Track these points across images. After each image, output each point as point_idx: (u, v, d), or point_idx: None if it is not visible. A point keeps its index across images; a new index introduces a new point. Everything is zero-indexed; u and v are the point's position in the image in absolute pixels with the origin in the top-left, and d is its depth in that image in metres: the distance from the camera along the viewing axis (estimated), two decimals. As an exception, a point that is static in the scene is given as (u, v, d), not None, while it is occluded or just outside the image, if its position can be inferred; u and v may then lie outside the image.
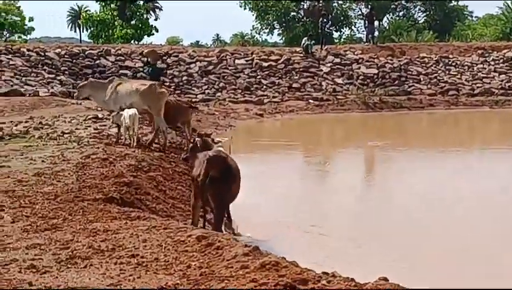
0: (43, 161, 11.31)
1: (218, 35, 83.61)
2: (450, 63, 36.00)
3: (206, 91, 31.31)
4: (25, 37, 49.93)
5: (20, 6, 49.34)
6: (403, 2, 65.25)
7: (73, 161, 11.28)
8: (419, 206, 11.56)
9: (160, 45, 44.58)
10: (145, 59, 26.22)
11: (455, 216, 10.87)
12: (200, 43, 68.40)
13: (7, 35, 47.72)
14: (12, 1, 49.11)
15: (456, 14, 63.75)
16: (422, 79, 34.41)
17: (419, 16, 66.11)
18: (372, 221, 10.73)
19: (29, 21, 49.67)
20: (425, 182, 14.16)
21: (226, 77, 32.60)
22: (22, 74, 28.98)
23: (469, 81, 34.53)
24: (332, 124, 27.94)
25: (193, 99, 27.64)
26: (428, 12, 65.24)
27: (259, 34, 64.74)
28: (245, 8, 62.54)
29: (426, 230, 9.96)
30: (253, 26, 64.67)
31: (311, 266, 5.50)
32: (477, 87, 33.82)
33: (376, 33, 43.44)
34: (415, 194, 12.67)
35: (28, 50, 31.53)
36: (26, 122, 19.02)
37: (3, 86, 27.06)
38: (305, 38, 36.95)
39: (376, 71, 34.41)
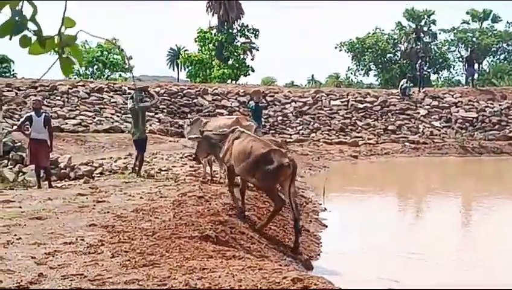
0: (141, 197, 11.56)
1: (313, 75, 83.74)
2: (553, 107, 34.79)
3: (301, 132, 31.39)
4: (124, 75, 51.45)
5: (120, 46, 50.97)
6: (504, 45, 63.68)
7: (170, 198, 11.46)
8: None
9: (257, 85, 45.14)
10: (249, 97, 27.64)
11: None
12: (294, 83, 68.67)
13: (108, 74, 49.39)
14: (113, 40, 50.84)
15: (559, 57, 61.69)
16: (524, 124, 33.38)
17: (520, 59, 64.36)
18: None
19: (129, 59, 51.14)
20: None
21: (320, 118, 32.60)
22: (122, 112, 29.89)
23: None
24: (429, 169, 27.31)
25: (287, 140, 27.74)
26: (530, 55, 63.45)
27: (354, 75, 64.54)
28: (341, 50, 62.66)
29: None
30: (348, 67, 64.60)
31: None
32: None
33: (476, 76, 42.40)
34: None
35: (129, 88, 32.50)
36: (125, 158, 19.58)
37: (105, 123, 27.98)
38: (404, 80, 36.63)
39: (475, 115, 33.61)
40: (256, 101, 23.15)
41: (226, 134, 11.25)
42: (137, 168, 15.98)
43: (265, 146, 10.46)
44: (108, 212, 9.86)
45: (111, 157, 19.85)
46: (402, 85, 35.47)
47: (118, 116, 29.30)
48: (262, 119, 24.66)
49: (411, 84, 35.78)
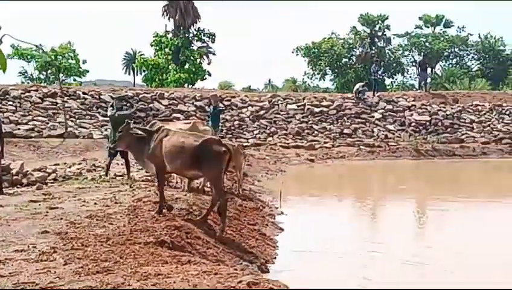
0: (95, 203, 11.42)
1: (270, 80, 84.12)
2: (503, 111, 35.65)
3: (258, 136, 31.44)
4: (80, 79, 50.69)
5: (75, 50, 50.19)
6: (456, 49, 64.89)
7: (125, 204, 11.35)
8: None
9: (213, 89, 45.08)
10: (208, 101, 28.52)
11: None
12: (251, 87, 68.79)
13: (63, 78, 48.60)
14: (68, 44, 50.08)
15: (510, 62, 62.91)
16: (475, 127, 34.07)
17: (472, 64, 65.66)
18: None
19: (83, 63, 50.40)
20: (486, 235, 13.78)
21: (277, 122, 32.73)
22: (76, 117, 29.50)
23: (523, 129, 34.02)
24: (384, 171, 27.61)
25: (244, 144, 27.73)
26: (481, 60, 64.70)
27: (311, 79, 65.02)
28: (297, 54, 63.07)
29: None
30: (305, 71, 65.07)
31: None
32: (532, 136, 33.33)
33: (429, 80, 43.14)
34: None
35: (84, 93, 32.10)
36: (79, 164, 19.34)
37: (58, 128, 27.57)
38: (360, 84, 37.07)
39: (428, 118, 34.17)
40: (214, 105, 23.22)
41: (151, 131, 10.98)
42: (126, 173, 16.62)
43: (198, 138, 10.66)
44: (61, 218, 9.71)
45: (65, 163, 19.56)
46: (357, 89, 35.83)
47: (72, 121, 28.88)
48: (220, 123, 24.68)
49: (366, 89, 36.16)
